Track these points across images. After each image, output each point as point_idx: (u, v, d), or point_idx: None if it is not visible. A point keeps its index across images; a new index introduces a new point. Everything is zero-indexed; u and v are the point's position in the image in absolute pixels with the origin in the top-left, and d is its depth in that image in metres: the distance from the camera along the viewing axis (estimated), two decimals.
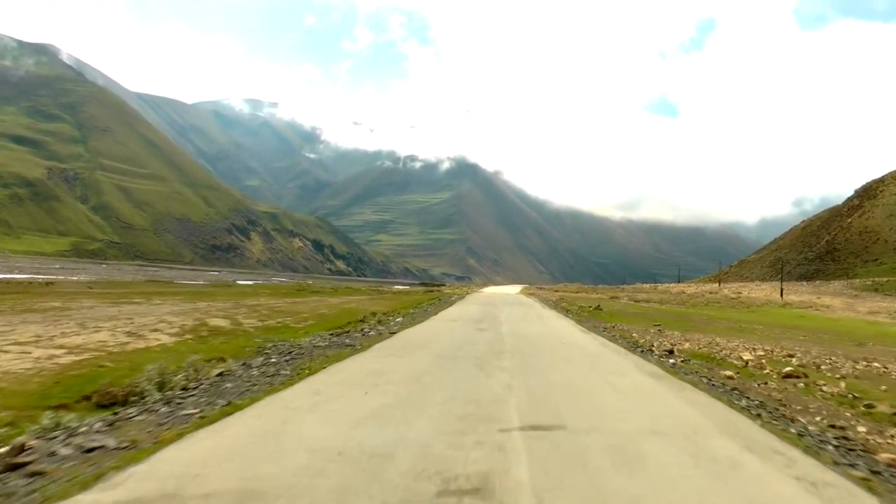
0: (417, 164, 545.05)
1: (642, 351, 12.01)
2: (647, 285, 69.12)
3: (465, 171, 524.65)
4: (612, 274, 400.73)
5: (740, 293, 40.56)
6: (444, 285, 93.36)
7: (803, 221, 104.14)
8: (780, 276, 78.19)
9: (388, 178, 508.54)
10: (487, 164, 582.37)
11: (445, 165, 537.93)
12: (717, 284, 57.15)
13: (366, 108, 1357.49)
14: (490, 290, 69.06)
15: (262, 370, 8.00)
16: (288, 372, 7.80)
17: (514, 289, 75.53)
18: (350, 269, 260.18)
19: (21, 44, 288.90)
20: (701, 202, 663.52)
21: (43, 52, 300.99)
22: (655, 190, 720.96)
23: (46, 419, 5.09)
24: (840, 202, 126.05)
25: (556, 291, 49.36)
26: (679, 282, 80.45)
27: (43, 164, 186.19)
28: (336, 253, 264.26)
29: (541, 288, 73.84)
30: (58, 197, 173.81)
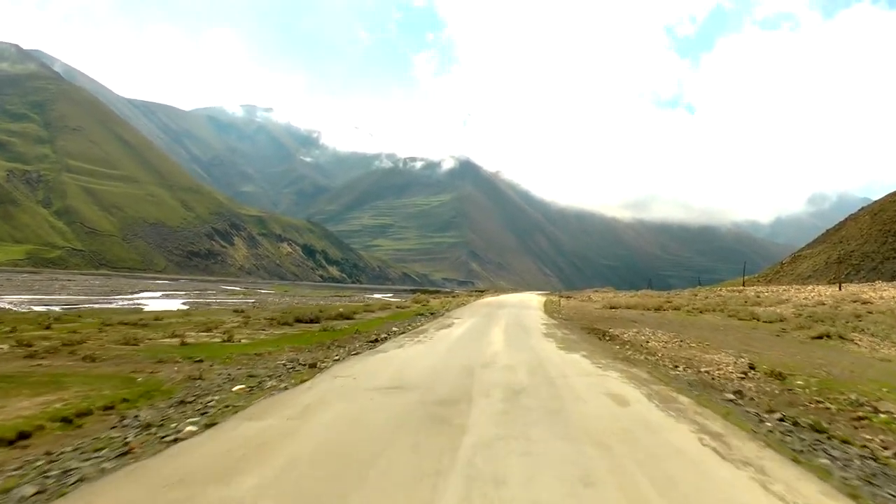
0: (418, 164, 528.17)
1: None
2: (722, 288, 51.39)
3: (466, 172, 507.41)
4: (621, 277, 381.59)
5: None
6: (422, 291, 75.26)
7: (862, 209, 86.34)
8: (864, 274, 61.07)
9: (388, 181, 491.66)
10: (490, 165, 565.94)
11: (447, 165, 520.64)
12: (833, 288, 39.57)
13: (365, 112, 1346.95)
14: (487, 302, 39.87)
15: None
16: None
17: (529, 298, 47.76)
18: (344, 275, 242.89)
19: (18, 49, 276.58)
20: (713, 201, 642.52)
21: (34, 58, 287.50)
22: (666, 189, 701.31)
23: None
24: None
25: (614, 308, 26.69)
26: (744, 283, 63.07)
27: (4, 165, 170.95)
28: (329, 258, 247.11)
29: (569, 297, 46.90)
30: (16, 201, 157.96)
